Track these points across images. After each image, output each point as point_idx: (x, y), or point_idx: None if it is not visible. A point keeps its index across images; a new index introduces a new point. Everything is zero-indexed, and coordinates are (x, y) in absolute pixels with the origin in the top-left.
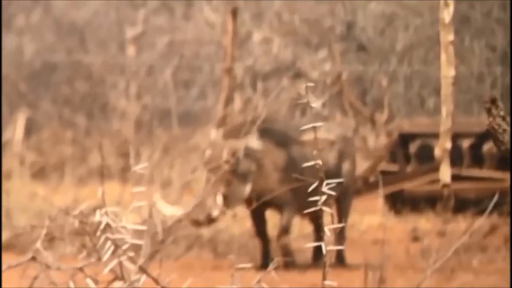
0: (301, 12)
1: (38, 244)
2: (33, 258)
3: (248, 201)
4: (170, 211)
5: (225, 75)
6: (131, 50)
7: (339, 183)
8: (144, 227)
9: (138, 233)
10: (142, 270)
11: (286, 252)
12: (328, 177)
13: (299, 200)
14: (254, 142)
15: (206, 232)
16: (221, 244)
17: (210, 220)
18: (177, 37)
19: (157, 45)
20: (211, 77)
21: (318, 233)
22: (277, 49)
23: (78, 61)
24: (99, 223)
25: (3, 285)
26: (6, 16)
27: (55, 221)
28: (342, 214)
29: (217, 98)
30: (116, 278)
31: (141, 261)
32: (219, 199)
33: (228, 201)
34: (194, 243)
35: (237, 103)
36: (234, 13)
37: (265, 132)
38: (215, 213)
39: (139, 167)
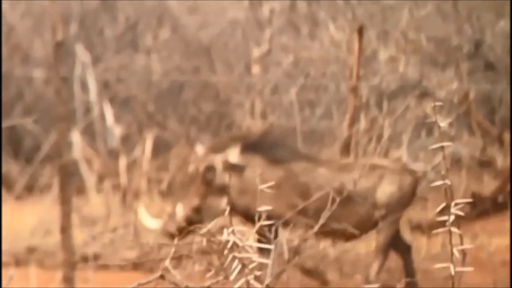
0: (427, 30)
1: (167, 263)
2: (162, 277)
3: (237, 215)
4: (151, 223)
5: (350, 94)
6: (256, 69)
7: (375, 208)
8: (270, 246)
9: (264, 252)
10: None
11: (306, 272)
12: (350, 199)
13: (309, 218)
14: (234, 156)
15: (332, 251)
16: (346, 263)
17: (179, 231)
18: (303, 56)
19: (282, 64)
20: (336, 96)
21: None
22: (403, 67)
23: (205, 81)
24: (226, 241)
25: None
26: (134, 35)
27: (183, 239)
28: (378, 243)
29: (342, 117)
30: None
31: (267, 280)
32: (179, 210)
33: (202, 214)
34: (320, 263)
35: (362, 122)
36: (360, 31)
37: (251, 147)
38: (179, 224)
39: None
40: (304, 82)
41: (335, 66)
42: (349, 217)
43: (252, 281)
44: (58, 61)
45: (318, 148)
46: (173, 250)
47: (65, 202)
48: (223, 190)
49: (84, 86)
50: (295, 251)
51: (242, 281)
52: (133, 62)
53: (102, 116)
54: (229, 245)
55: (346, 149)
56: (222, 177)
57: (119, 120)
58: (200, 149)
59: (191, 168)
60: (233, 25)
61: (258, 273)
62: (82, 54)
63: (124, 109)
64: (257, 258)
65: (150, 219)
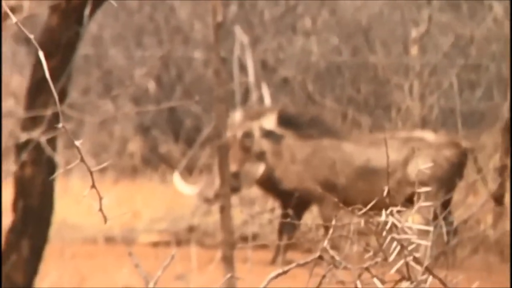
0: None
1: (325, 243)
2: (320, 257)
3: (266, 185)
4: (186, 189)
5: None
6: (414, 50)
7: (406, 183)
8: (430, 228)
9: (423, 234)
10: (429, 271)
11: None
12: (376, 173)
13: (339, 195)
14: (271, 123)
15: (492, 234)
16: (508, 246)
17: (217, 197)
18: (463, 36)
19: (441, 44)
20: (498, 76)
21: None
22: None
23: (363, 62)
24: (385, 222)
25: (292, 282)
26: (293, 18)
27: (341, 220)
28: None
29: (503, 97)
30: (402, 279)
31: (427, 261)
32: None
33: (239, 180)
34: (480, 246)
35: None
36: None
37: (286, 119)
38: (217, 189)
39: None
40: (464, 62)
41: (497, 45)
42: (374, 192)
43: (411, 263)
44: (218, 42)
45: (478, 130)
46: (331, 230)
47: (224, 183)
48: (260, 156)
49: (243, 68)
50: (455, 233)
51: (401, 262)
52: (291, 44)
53: (260, 97)
54: (387, 226)
55: (507, 130)
56: (259, 144)
57: (276, 101)
58: (238, 115)
59: (228, 134)
60: (391, 5)
61: (417, 254)
62: (241, 35)
63: (281, 90)
64: (416, 240)
65: (185, 185)
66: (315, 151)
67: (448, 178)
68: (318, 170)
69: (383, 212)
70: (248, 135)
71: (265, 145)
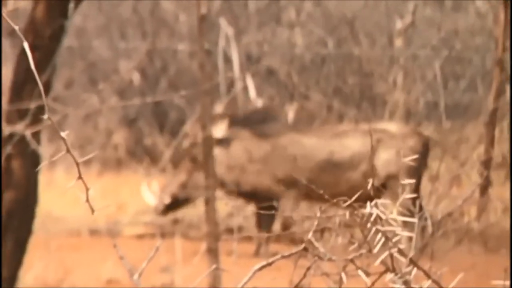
0: None
1: (310, 235)
2: (305, 249)
3: (226, 189)
4: (151, 201)
5: (496, 66)
6: (399, 42)
7: (372, 175)
8: (414, 220)
9: (408, 226)
10: (413, 262)
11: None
12: (339, 166)
13: (301, 187)
14: (220, 131)
15: (476, 226)
16: (492, 238)
17: (167, 208)
18: (447, 28)
19: (426, 36)
20: (482, 69)
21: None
22: None
23: (348, 54)
24: (370, 214)
25: (277, 274)
26: (277, 9)
27: (326, 212)
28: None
29: (487, 90)
30: (387, 270)
31: (411, 253)
32: (154, 186)
33: (188, 190)
34: (464, 237)
35: (508, 95)
36: (506, 2)
37: (240, 122)
38: (163, 201)
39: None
40: (448, 55)
41: (480, 38)
42: (338, 184)
43: (396, 255)
44: (202, 34)
45: (462, 122)
46: (316, 223)
47: (209, 175)
48: None
49: (228, 59)
50: (439, 225)
51: (385, 254)
52: (276, 35)
53: (245, 89)
54: (372, 218)
55: (491, 122)
56: None
57: (261, 93)
58: (192, 124)
59: (185, 145)
60: None
61: (402, 246)
62: (226, 27)
63: (266, 82)
64: (401, 232)
65: (150, 196)
66: (274, 148)
67: (415, 168)
68: (278, 167)
69: (368, 204)
70: (194, 145)
71: (216, 152)
